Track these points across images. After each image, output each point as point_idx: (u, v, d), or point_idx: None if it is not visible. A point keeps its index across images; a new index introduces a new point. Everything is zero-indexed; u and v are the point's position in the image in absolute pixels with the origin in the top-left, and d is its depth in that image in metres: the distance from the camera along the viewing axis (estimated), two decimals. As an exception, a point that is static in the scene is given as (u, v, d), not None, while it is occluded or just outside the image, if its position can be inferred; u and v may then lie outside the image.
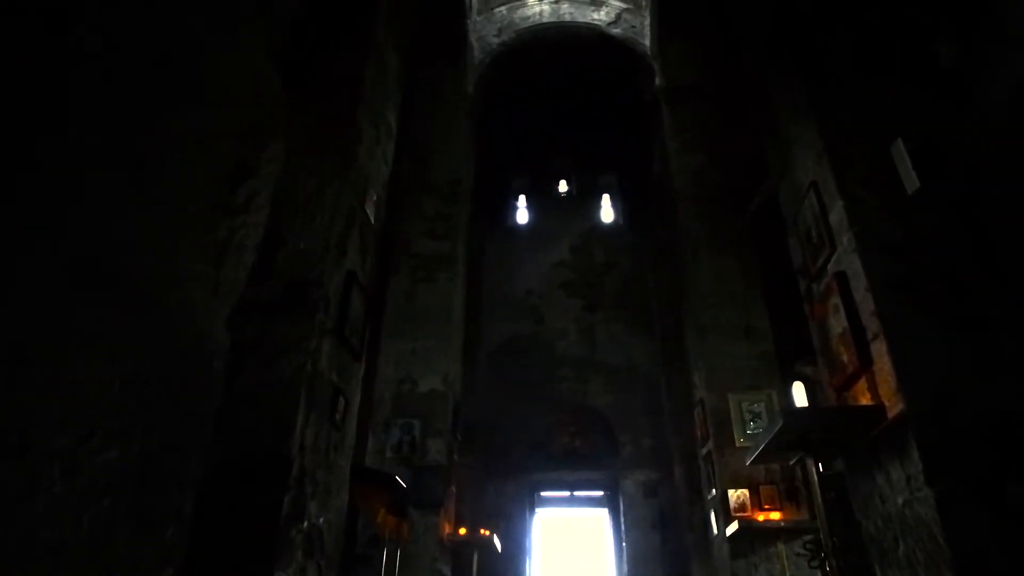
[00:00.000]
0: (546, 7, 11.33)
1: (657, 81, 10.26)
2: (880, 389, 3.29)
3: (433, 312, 8.64)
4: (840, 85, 4.29)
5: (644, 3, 10.84)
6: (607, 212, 14.32)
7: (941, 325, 3.29)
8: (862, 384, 3.48)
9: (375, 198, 4.95)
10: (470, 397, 10.59)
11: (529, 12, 11.32)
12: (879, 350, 3.32)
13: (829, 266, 3.95)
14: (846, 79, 4.32)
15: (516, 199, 14.61)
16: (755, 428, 7.03)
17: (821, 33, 4.54)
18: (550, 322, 12.55)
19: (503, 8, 11.34)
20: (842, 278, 3.73)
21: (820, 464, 3.46)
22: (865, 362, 3.42)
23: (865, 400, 3.41)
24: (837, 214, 3.86)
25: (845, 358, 3.67)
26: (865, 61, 4.39)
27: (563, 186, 14.84)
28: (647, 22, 10.73)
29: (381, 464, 7.44)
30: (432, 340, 8.37)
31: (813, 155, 4.18)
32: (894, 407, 3.12)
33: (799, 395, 10.48)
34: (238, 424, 3.33)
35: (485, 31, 11.18)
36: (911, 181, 3.69)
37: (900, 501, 3.07)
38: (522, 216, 14.41)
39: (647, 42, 10.69)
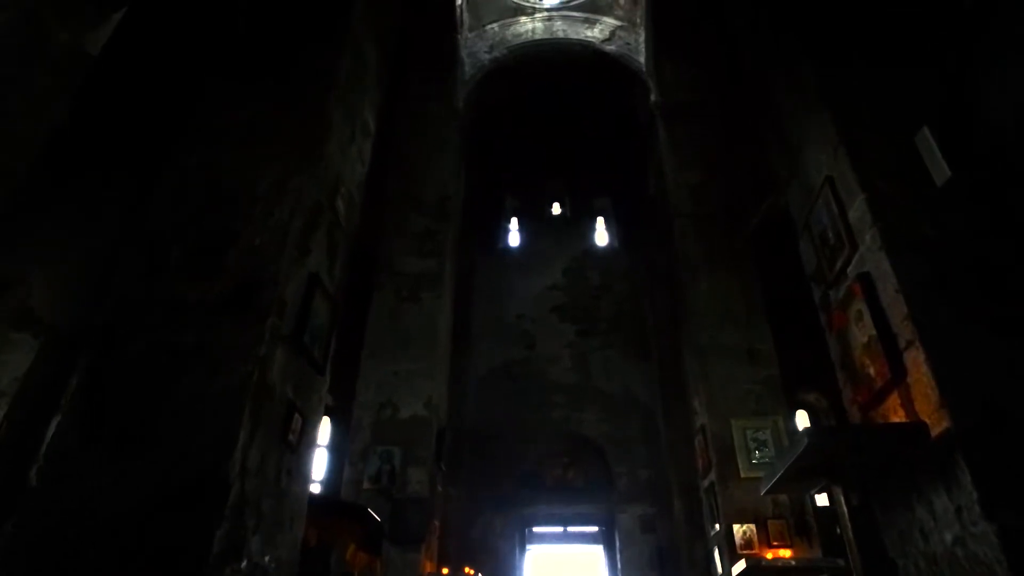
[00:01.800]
0: (539, 24, 11.13)
1: (652, 97, 9.99)
2: (917, 405, 2.83)
3: (418, 332, 8.16)
4: (852, 73, 3.93)
5: (638, 20, 10.64)
6: (601, 235, 13.99)
7: (984, 329, 2.85)
8: (894, 400, 3.02)
9: (349, 199, 4.53)
10: (457, 425, 10.05)
11: (521, 29, 11.12)
12: (915, 360, 2.87)
13: (849, 268, 3.52)
14: (857, 67, 3.96)
15: (508, 221, 14.28)
16: (761, 457, 6.53)
17: (828, 18, 4.21)
18: (542, 347, 12.06)
19: (495, 25, 11.13)
20: (866, 280, 3.29)
21: (849, 493, 2.98)
22: (898, 374, 2.96)
23: (898, 418, 2.95)
24: (858, 210, 3.44)
25: (872, 371, 3.21)
26: (875, 47, 4.05)
27: (556, 208, 14.56)
28: (642, 39, 10.52)
29: (357, 496, 6.87)
30: (416, 362, 7.88)
31: (827, 149, 3.79)
32: (937, 425, 2.66)
33: (802, 424, 9.96)
34: (172, 441, 2.84)
35: (476, 47, 10.95)
36: (940, 172, 3.29)
37: (949, 538, 2.59)
38: (514, 238, 14.06)
39: (642, 59, 10.46)
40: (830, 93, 3.86)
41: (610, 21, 10.94)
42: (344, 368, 8.07)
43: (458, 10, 10.38)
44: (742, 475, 6.47)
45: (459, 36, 10.50)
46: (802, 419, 10.23)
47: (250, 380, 2.98)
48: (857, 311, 3.37)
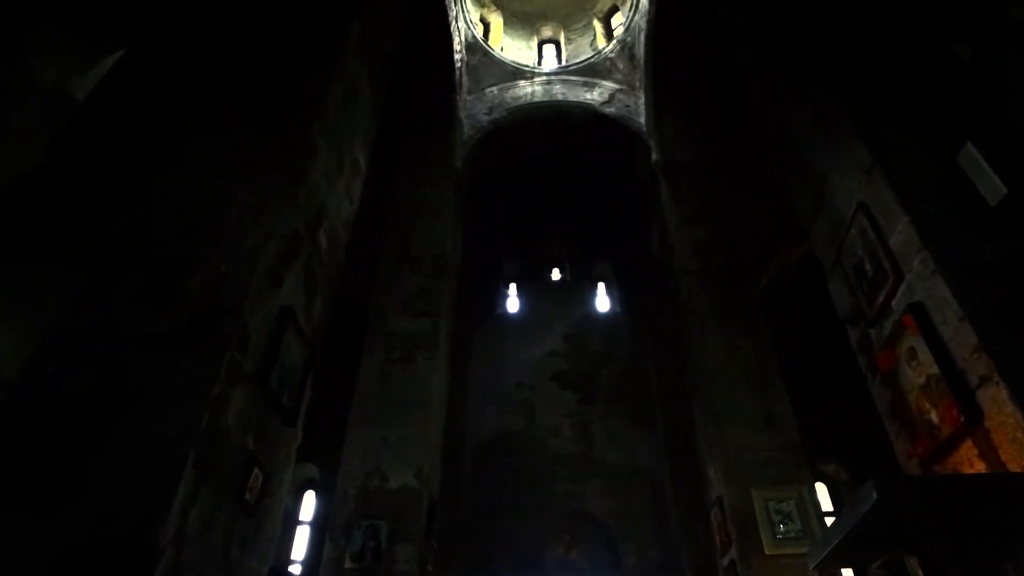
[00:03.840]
0: (538, 87, 11.17)
1: (654, 157, 9.85)
2: (1003, 452, 2.34)
3: (409, 396, 7.60)
4: (875, 96, 3.66)
5: (638, 84, 10.68)
6: (602, 300, 13.61)
7: (1073, 361, 2.41)
8: (968, 449, 2.53)
9: (333, 234, 4.15)
10: (451, 500, 9.30)
11: (521, 92, 11.15)
12: (994, 398, 2.40)
13: (895, 301, 3.10)
14: (879, 90, 3.70)
15: (506, 286, 13.94)
16: (787, 532, 5.87)
17: (843, 44, 3.98)
18: (542, 417, 11.42)
19: (494, 88, 11.17)
20: (919, 310, 2.87)
21: (929, 566, 2.43)
22: (972, 417, 2.49)
23: (977, 470, 2.45)
24: (902, 234, 3.06)
25: (935, 416, 2.73)
26: (893, 69, 3.80)
27: (556, 274, 14.26)
28: (641, 101, 10.51)
29: (338, 576, 6.15)
30: (407, 427, 7.28)
31: (858, 174, 3.45)
32: (1035, 474, 2.17)
33: (823, 498, 9.08)
34: (99, 496, 2.33)
35: (475, 109, 10.93)
36: (993, 189, 2.93)
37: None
38: (512, 304, 13.66)
39: (642, 120, 10.40)
40: (857, 116, 3.56)
41: (609, 85, 10.98)
42: (333, 436, 7.51)
43: (457, 72, 10.41)
44: (766, 552, 5.79)
45: (458, 97, 10.49)
46: (822, 492, 9.52)
47: (198, 424, 2.48)
48: (909, 348, 2.92)
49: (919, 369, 2.85)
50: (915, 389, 2.88)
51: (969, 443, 2.52)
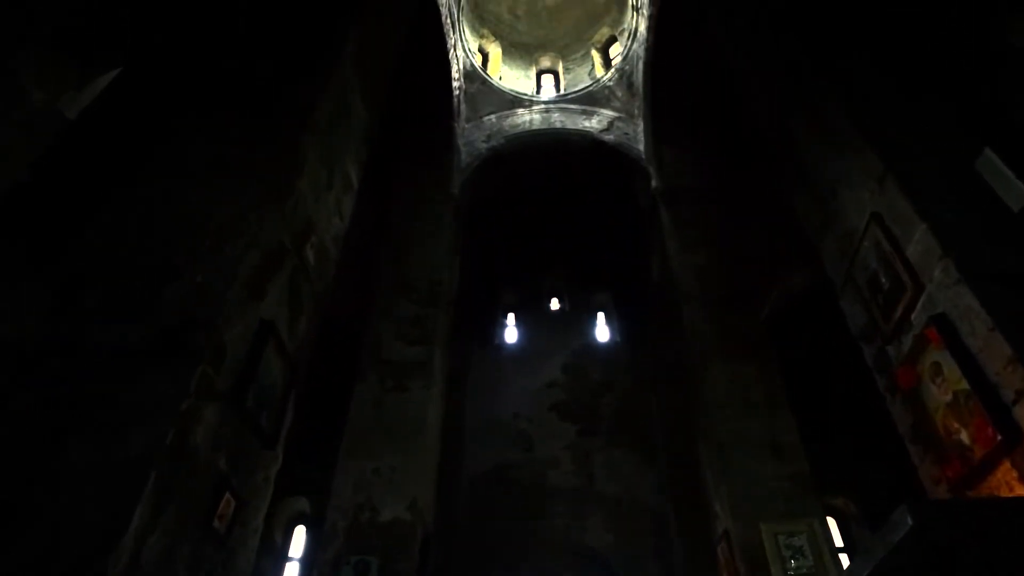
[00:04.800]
0: (536, 116, 11.15)
1: (654, 183, 9.75)
2: (1046, 473, 2.13)
3: (404, 425, 7.33)
4: (886, 103, 3.53)
5: (636, 112, 10.66)
6: (602, 331, 13.38)
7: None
8: (1005, 471, 2.31)
9: (322, 250, 3.98)
10: (446, 534, 8.95)
11: (519, 120, 11.12)
12: (1032, 413, 2.20)
13: (914, 314, 2.91)
14: (888, 96, 3.58)
15: (504, 316, 13.72)
16: (798, 568, 5.57)
17: (852, 52, 3.87)
18: (541, 449, 11.09)
19: (492, 116, 11.15)
20: (943, 322, 2.67)
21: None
22: (1010, 436, 2.27)
23: (1018, 494, 2.23)
24: (920, 243, 2.88)
25: (965, 436, 2.52)
26: (901, 75, 3.69)
27: (555, 303, 14.06)
28: (640, 128, 10.47)
29: (325, 616, 5.81)
30: (400, 457, 6.99)
31: (870, 184, 3.30)
32: (1087, 497, 1.95)
33: (833, 533, 8.74)
34: (48, 522, 2.10)
35: (473, 137, 10.89)
36: (1017, 195, 2.77)
37: None
38: (511, 334, 13.42)
39: (641, 147, 10.35)
40: (867, 124, 3.42)
41: (608, 113, 10.97)
42: (325, 468, 7.21)
43: (455, 100, 10.39)
44: (778, 590, 5.48)
45: (456, 125, 10.45)
46: (832, 527, 9.15)
47: (161, 442, 2.27)
48: (933, 363, 2.72)
49: (945, 385, 2.65)
50: (941, 407, 2.68)
51: (1007, 465, 2.30)
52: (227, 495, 2.59)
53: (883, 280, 3.16)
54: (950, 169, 3.04)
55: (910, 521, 1.92)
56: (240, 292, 2.88)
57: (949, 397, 2.62)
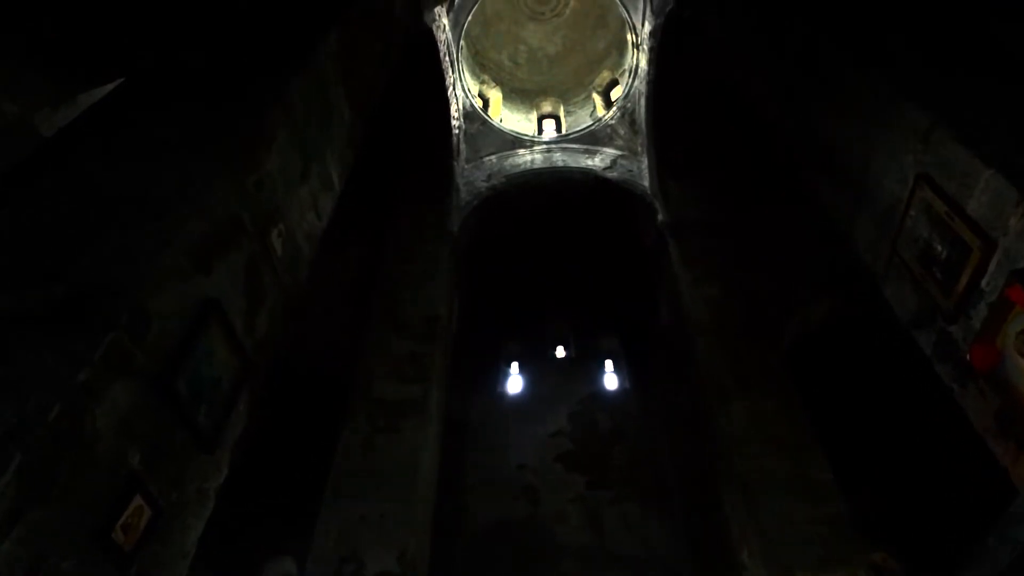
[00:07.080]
0: (538, 156, 10.93)
1: (660, 217, 9.40)
2: None
3: (394, 468, 6.70)
4: (919, 59, 3.15)
5: (640, 149, 10.44)
6: (610, 378, 12.73)
7: None
8: None
9: (293, 245, 3.55)
10: (443, 597, 8.10)
11: (520, 160, 10.90)
12: None
13: (985, 279, 2.41)
14: (924, 52, 3.20)
15: (508, 366, 13.12)
16: (843, 625, 4.82)
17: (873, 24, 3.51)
18: (547, 503, 10.27)
19: (493, 156, 10.95)
20: (1029, 277, 2.18)
21: None
22: None
23: None
24: (984, 194, 2.43)
25: (1075, 413, 1.98)
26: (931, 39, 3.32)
27: (560, 351, 13.47)
28: (644, 165, 10.21)
29: None
30: (389, 503, 6.34)
31: (914, 143, 2.86)
32: None
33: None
34: None
35: (473, 176, 10.65)
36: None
37: None
38: (514, 384, 12.77)
39: (646, 183, 10.05)
40: (903, 80, 3.03)
41: (611, 151, 10.75)
42: (308, 520, 6.56)
43: (455, 139, 10.20)
44: (822, 652, 4.72)
45: (455, 163, 10.22)
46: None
47: (40, 417, 1.75)
48: (1021, 332, 2.21)
49: (1040, 357, 2.13)
50: (1037, 385, 2.14)
51: None
52: (137, 499, 2.04)
53: (939, 249, 2.69)
54: (1008, 108, 2.61)
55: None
56: (176, 259, 2.42)
57: (1047, 369, 2.10)
